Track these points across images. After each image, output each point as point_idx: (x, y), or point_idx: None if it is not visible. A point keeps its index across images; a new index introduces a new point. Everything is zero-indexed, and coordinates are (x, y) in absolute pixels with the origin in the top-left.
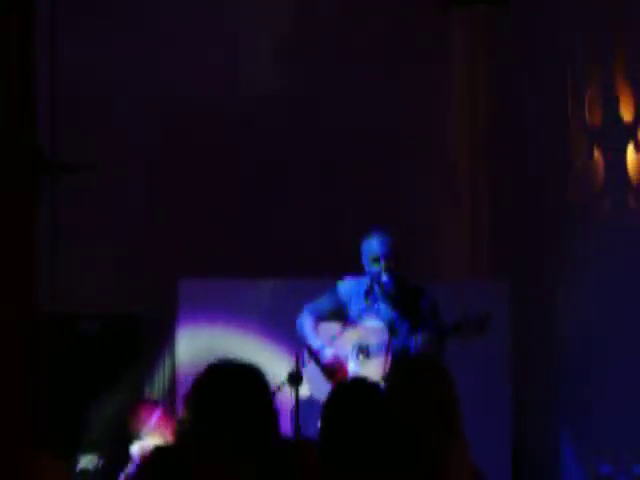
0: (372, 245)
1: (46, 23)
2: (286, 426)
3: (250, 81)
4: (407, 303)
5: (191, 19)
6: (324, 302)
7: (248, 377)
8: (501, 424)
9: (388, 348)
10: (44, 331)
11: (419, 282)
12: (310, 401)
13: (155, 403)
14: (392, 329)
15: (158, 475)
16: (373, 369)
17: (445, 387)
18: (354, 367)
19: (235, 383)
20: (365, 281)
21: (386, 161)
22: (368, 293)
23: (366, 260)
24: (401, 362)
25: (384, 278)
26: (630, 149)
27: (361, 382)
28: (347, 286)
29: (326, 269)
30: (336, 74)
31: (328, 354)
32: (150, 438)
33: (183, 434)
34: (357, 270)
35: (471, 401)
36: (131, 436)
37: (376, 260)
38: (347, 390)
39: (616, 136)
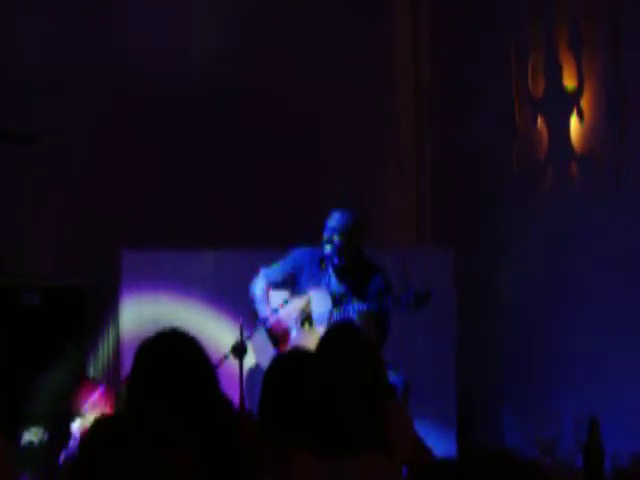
0: (329, 219)
1: None
2: (234, 397)
3: (198, 54)
4: (355, 279)
5: None
6: (278, 268)
7: (190, 343)
8: (446, 392)
9: (329, 319)
10: None
11: (371, 254)
12: (258, 369)
13: (96, 381)
14: (336, 300)
15: (99, 445)
16: (315, 338)
17: (371, 353)
18: (296, 335)
19: (177, 348)
20: (319, 251)
21: (330, 131)
22: (320, 263)
23: (324, 232)
24: (328, 331)
25: (327, 250)
26: (573, 118)
27: (298, 351)
28: (301, 254)
29: (270, 239)
30: (282, 31)
31: (271, 320)
32: (91, 416)
33: (125, 402)
34: (301, 240)
35: (416, 370)
36: (72, 414)
37: (327, 232)
38: (284, 360)
39: (559, 105)
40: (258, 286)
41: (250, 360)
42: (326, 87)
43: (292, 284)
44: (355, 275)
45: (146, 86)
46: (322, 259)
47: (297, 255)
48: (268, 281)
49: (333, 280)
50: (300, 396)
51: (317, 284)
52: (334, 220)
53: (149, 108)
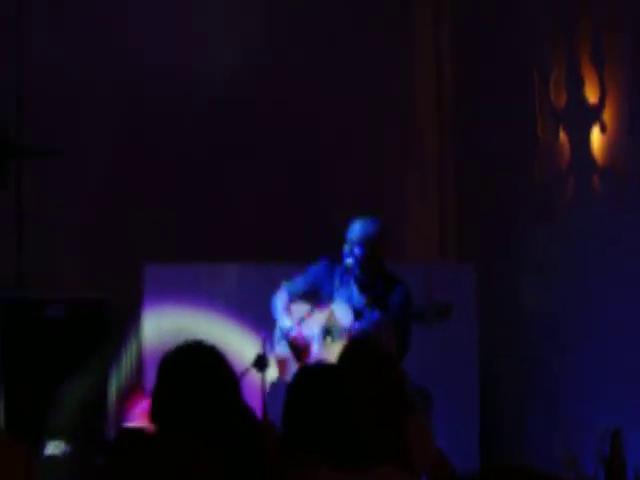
0: (350, 230)
1: (13, 7)
2: (256, 411)
3: (216, 69)
4: (376, 291)
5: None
6: (300, 281)
7: (214, 355)
8: (468, 408)
9: (350, 332)
10: (9, 316)
11: (392, 268)
12: (280, 383)
13: (144, 392)
14: (357, 313)
15: (125, 455)
16: (337, 351)
17: (391, 366)
18: (317, 349)
19: (201, 360)
20: (341, 264)
21: (351, 145)
22: (342, 276)
23: (345, 244)
24: (348, 344)
25: (348, 261)
26: (595, 130)
27: (320, 366)
28: (322, 268)
29: (293, 253)
30: (301, 45)
31: (295, 334)
32: (137, 425)
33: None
34: (323, 253)
35: (439, 385)
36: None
37: (348, 244)
38: (306, 374)
39: (581, 117)
40: (280, 300)
41: (272, 374)
42: (346, 99)
43: (313, 297)
44: (376, 287)
45: (166, 101)
46: (343, 272)
47: (318, 269)
48: (290, 295)
49: (354, 292)
50: (322, 409)
51: (338, 297)
52: (356, 231)
53: (170, 122)
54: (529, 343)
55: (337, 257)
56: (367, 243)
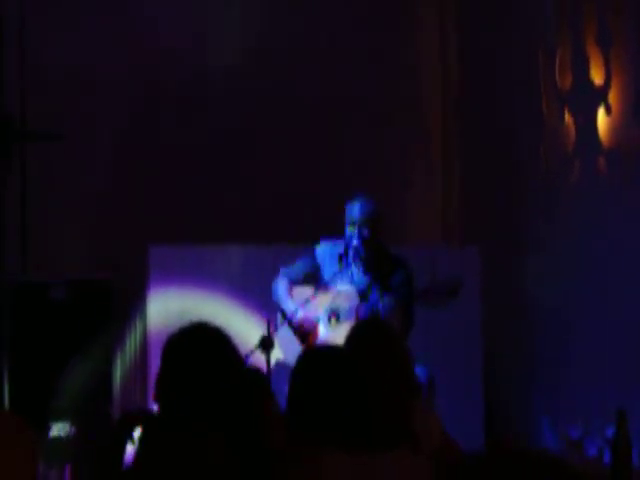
0: (351, 209)
1: None
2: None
3: (219, 49)
4: (380, 270)
5: None
6: (299, 265)
7: (219, 336)
8: (473, 391)
9: (357, 313)
10: (13, 299)
11: (396, 251)
12: (283, 365)
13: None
14: (362, 294)
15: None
16: (343, 333)
17: (399, 349)
18: (324, 331)
19: (205, 341)
20: (341, 245)
21: (357, 126)
22: (342, 257)
23: (345, 224)
24: (355, 326)
25: (354, 242)
26: (601, 112)
27: (327, 348)
28: (322, 249)
29: (297, 234)
30: (306, 37)
31: (300, 317)
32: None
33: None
34: (329, 235)
35: (442, 368)
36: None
37: (352, 224)
38: (313, 356)
39: (587, 99)
40: (280, 286)
41: (276, 355)
42: (351, 83)
43: (314, 281)
44: (378, 267)
45: (171, 84)
46: (343, 253)
47: (317, 251)
48: (289, 279)
49: (356, 273)
50: (329, 392)
51: (340, 279)
52: (357, 211)
53: (174, 105)
54: (533, 325)
55: (335, 239)
56: (370, 222)
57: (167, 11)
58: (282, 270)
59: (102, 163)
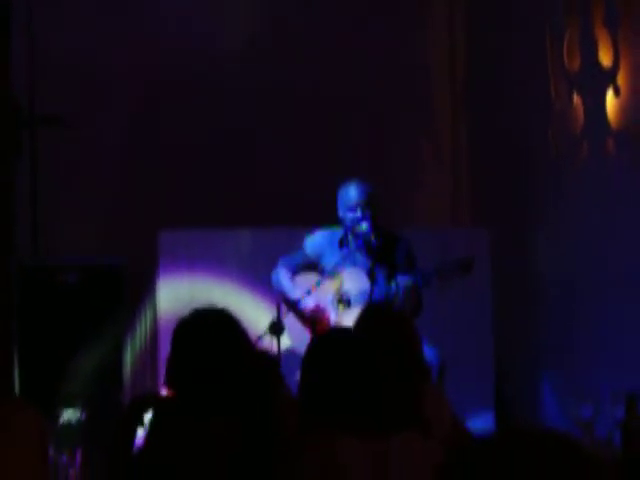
0: (349, 193)
1: None
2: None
3: (229, 39)
4: (383, 251)
5: None
6: (297, 257)
7: (228, 320)
8: (483, 373)
9: (370, 296)
10: (24, 283)
11: (395, 229)
12: (291, 352)
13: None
14: (371, 277)
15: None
16: (351, 318)
17: (409, 332)
18: (334, 317)
19: (215, 325)
20: (338, 231)
21: (367, 113)
22: (342, 243)
23: (342, 208)
24: (365, 311)
25: (364, 226)
26: (609, 94)
27: (340, 331)
28: (319, 239)
29: (306, 218)
30: (314, 37)
31: (309, 304)
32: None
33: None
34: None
35: (453, 350)
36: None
37: (353, 208)
38: (324, 341)
39: (595, 81)
40: (282, 276)
41: (285, 342)
42: (360, 69)
43: (315, 268)
44: (379, 246)
45: (178, 68)
46: (343, 237)
47: (315, 239)
48: (289, 269)
49: (359, 256)
50: (341, 376)
51: (342, 264)
52: (358, 195)
53: (181, 89)
54: (543, 307)
55: (327, 227)
56: (372, 202)
57: None
58: (280, 261)
59: (113, 148)
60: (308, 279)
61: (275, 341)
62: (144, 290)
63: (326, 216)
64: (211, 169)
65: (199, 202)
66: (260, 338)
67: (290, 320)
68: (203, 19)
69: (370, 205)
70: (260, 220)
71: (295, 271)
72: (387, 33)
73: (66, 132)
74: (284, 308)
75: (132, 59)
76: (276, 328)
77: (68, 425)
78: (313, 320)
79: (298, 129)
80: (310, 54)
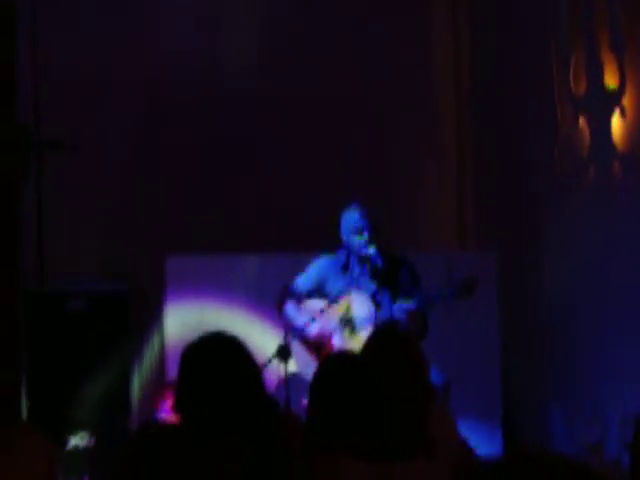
0: (354, 217)
1: (28, 3)
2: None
3: (231, 55)
4: (387, 273)
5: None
6: (302, 282)
7: (236, 345)
8: (490, 396)
9: (375, 321)
10: (32, 310)
11: (398, 252)
12: (297, 378)
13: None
14: (375, 301)
15: (143, 448)
16: (359, 343)
17: (415, 355)
18: (339, 342)
19: (222, 350)
20: (340, 255)
21: (371, 132)
22: (346, 267)
23: (346, 232)
24: (373, 334)
25: (371, 250)
26: (615, 117)
27: (347, 355)
28: (323, 264)
29: (313, 242)
30: (316, 28)
31: (313, 330)
32: (170, 419)
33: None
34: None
35: (460, 373)
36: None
37: (358, 232)
38: (333, 363)
39: (601, 104)
40: (289, 308)
41: (291, 367)
42: (364, 84)
43: (319, 294)
44: (383, 269)
45: (183, 90)
46: (346, 261)
47: (319, 264)
48: (294, 298)
49: (363, 280)
50: (348, 400)
51: (347, 289)
52: (360, 219)
53: (187, 111)
54: (550, 330)
55: (330, 252)
56: (375, 226)
57: (180, 9)
58: (289, 288)
59: (118, 173)
60: (316, 304)
61: (282, 366)
62: (150, 316)
63: (331, 241)
64: (218, 194)
65: (205, 227)
66: (267, 363)
67: (296, 346)
68: (205, 34)
69: (374, 228)
70: (267, 246)
71: (300, 300)
72: (387, 34)
73: (72, 156)
74: (290, 338)
75: (135, 84)
76: (283, 353)
77: (76, 451)
78: (318, 346)
79: (303, 153)
80: (310, 54)
